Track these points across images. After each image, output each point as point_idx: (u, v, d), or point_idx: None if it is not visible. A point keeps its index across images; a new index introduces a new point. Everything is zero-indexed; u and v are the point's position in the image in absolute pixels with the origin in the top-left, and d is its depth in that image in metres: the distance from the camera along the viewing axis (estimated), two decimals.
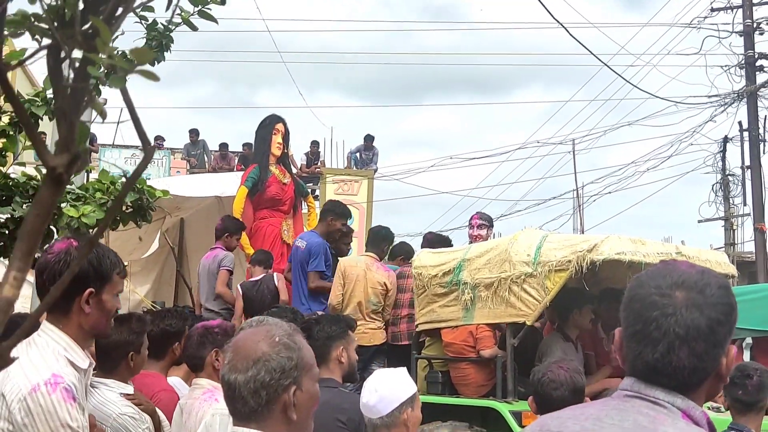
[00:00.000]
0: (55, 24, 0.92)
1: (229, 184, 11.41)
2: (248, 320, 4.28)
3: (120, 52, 0.91)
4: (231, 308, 9.10)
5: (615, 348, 2.09)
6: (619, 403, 2.02)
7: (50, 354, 2.92)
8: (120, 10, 0.92)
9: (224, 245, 9.29)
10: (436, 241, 9.22)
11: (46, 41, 0.96)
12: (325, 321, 4.93)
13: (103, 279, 3.06)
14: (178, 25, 4.63)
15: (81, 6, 0.91)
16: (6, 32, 1.02)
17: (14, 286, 0.98)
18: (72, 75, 0.93)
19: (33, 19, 0.93)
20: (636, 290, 2.03)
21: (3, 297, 0.97)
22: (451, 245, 9.28)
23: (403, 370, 4.10)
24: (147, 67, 0.92)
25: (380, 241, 9.06)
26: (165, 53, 4.87)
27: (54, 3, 0.91)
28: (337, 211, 9.28)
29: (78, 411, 2.90)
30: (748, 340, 9.87)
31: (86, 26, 0.90)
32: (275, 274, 8.92)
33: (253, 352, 2.43)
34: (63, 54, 0.93)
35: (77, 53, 0.93)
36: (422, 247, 9.15)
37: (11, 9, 0.99)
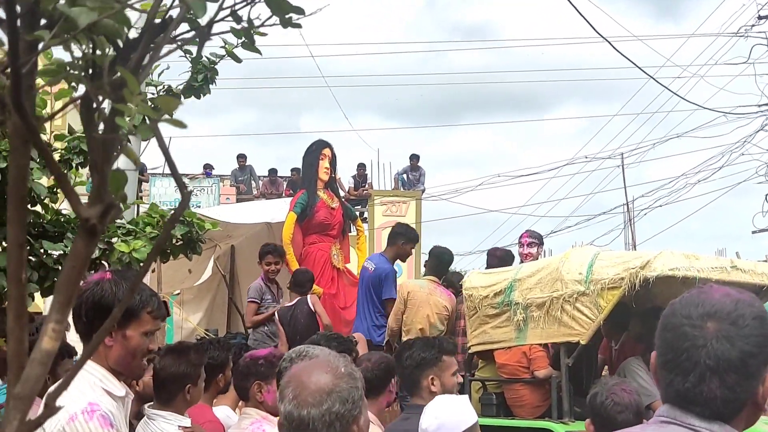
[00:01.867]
0: (86, 74, 0.92)
1: (278, 211, 11.46)
2: (288, 353, 4.27)
3: (147, 101, 0.90)
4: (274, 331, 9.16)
5: (651, 372, 2.12)
6: (656, 428, 2.02)
7: (86, 385, 2.92)
8: (147, 58, 0.91)
9: (263, 273, 9.37)
10: (502, 256, 9.19)
11: (81, 88, 0.96)
12: (417, 346, 4.70)
13: (127, 314, 3.01)
14: (222, 57, 4.67)
15: (110, 56, 0.91)
16: (43, 81, 1.03)
17: (53, 338, 0.97)
18: (102, 126, 0.93)
19: (68, 68, 0.93)
20: (668, 319, 2.03)
21: (43, 349, 0.97)
22: (511, 257, 9.29)
23: (465, 398, 4.02)
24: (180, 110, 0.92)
25: (445, 265, 9.08)
26: (210, 85, 4.92)
27: (86, 52, 0.91)
28: (409, 236, 9.33)
29: None
30: None
31: (115, 77, 0.90)
32: (309, 296, 8.89)
33: (324, 385, 2.43)
34: (94, 104, 0.93)
35: (107, 103, 0.93)
36: (488, 263, 9.11)
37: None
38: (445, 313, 8.61)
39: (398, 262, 9.50)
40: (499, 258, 9.20)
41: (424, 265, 9.28)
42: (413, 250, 9.46)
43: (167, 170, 20.68)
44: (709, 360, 1.93)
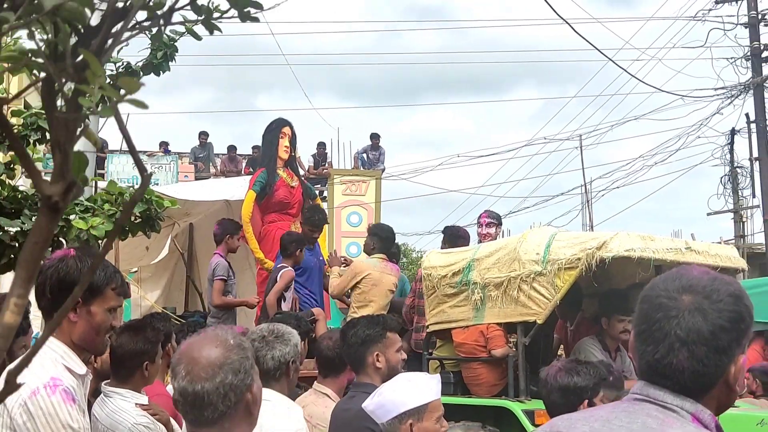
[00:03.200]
0: (48, 56, 0.92)
1: (238, 189, 11.42)
2: (256, 331, 4.29)
3: (110, 82, 0.91)
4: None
5: (630, 348, 2.13)
6: (628, 405, 2.04)
7: (48, 361, 2.93)
8: (110, 42, 0.92)
9: (226, 248, 9.30)
10: (456, 234, 9.27)
11: (42, 75, 0.97)
12: (361, 324, 4.68)
13: (92, 290, 3.04)
14: (182, 35, 4.64)
15: (73, 40, 0.91)
16: (5, 67, 1.04)
17: (15, 312, 0.98)
18: (65, 106, 0.94)
19: (30, 55, 0.94)
20: (647, 292, 2.07)
21: (4, 323, 0.98)
22: (468, 237, 9.37)
23: (424, 376, 3.92)
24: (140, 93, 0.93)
25: (390, 241, 9.20)
26: (170, 63, 4.89)
27: (49, 38, 0.92)
28: (311, 221, 9.64)
29: (78, 413, 2.91)
30: None
31: (78, 59, 0.91)
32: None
33: (215, 359, 2.47)
34: (57, 86, 0.94)
35: (69, 85, 0.94)
36: (443, 241, 9.20)
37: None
38: (393, 290, 8.91)
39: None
40: (461, 237, 9.28)
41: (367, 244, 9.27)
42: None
43: (125, 147, 20.47)
44: (680, 331, 1.97)
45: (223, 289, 9.07)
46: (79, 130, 0.93)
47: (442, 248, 9.00)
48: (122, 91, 0.89)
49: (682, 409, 1.98)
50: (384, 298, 8.79)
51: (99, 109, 0.90)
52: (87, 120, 0.95)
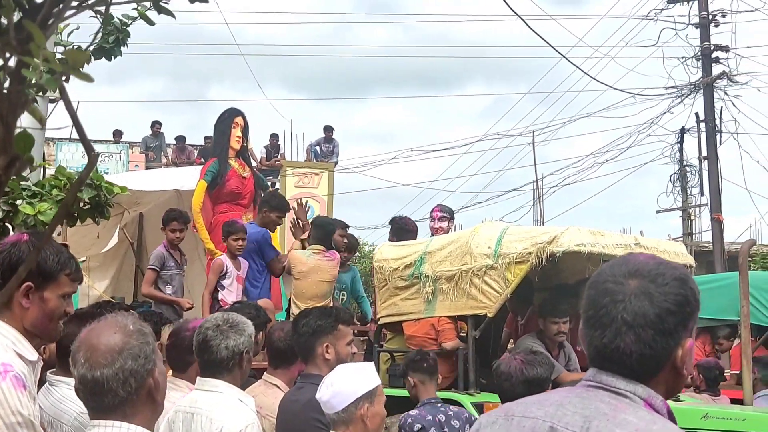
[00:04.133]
0: None
1: (189, 178, 11.30)
2: (211, 320, 4.24)
3: (56, 56, 0.88)
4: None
5: (579, 335, 2.15)
6: (582, 391, 2.06)
7: None
8: (53, 17, 0.89)
9: (166, 240, 9.20)
10: (403, 227, 9.25)
11: None
12: (312, 315, 4.67)
13: (45, 276, 3.01)
14: (134, 19, 4.58)
15: (17, 16, 0.88)
16: None
17: None
18: (8, 79, 0.91)
19: None
20: (594, 278, 2.09)
21: None
22: (416, 230, 9.36)
23: (367, 364, 3.96)
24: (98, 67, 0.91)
25: (328, 235, 9.12)
26: (122, 48, 4.82)
27: None
28: (271, 203, 9.45)
29: (29, 399, 2.87)
30: None
31: (21, 34, 0.88)
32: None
33: (115, 345, 2.46)
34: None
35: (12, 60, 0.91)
36: (391, 232, 9.18)
37: None
38: (328, 279, 8.75)
39: None
40: (409, 231, 9.27)
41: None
42: (282, 220, 9.51)
43: (74, 135, 20.21)
44: (626, 314, 1.98)
45: (153, 279, 8.95)
46: (23, 103, 0.90)
47: (389, 240, 9.01)
48: (68, 64, 0.86)
49: (635, 395, 2.00)
50: (317, 287, 8.65)
51: (42, 80, 0.87)
52: (34, 100, 0.92)
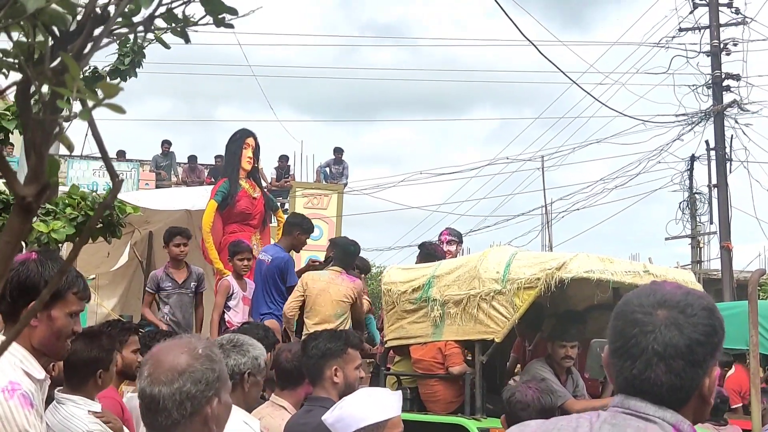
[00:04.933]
0: (25, 59, 0.92)
1: (199, 198, 11.35)
2: (218, 339, 4.27)
3: (89, 76, 0.91)
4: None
5: (604, 364, 2.15)
6: (610, 417, 2.08)
7: (6, 364, 2.89)
8: (89, 47, 0.92)
9: (169, 258, 9.24)
10: (432, 253, 9.20)
11: (13, 75, 0.97)
12: (323, 337, 4.66)
13: (54, 294, 2.98)
14: (151, 42, 4.63)
15: (50, 42, 0.91)
16: None
17: None
18: (42, 108, 0.94)
19: (2, 55, 0.94)
20: (621, 308, 2.10)
21: None
22: (444, 257, 9.32)
23: (391, 393, 3.92)
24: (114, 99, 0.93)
25: (351, 257, 9.07)
26: (137, 69, 4.87)
27: (24, 40, 0.92)
28: (304, 226, 9.38)
29: (36, 418, 2.87)
30: None
31: (55, 62, 0.91)
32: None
33: (177, 364, 2.44)
34: (33, 89, 0.94)
35: (46, 88, 0.94)
36: (419, 257, 9.14)
37: None
38: (346, 300, 8.54)
39: None
40: (436, 257, 9.25)
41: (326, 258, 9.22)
42: (308, 241, 9.51)
43: (85, 152, 20.25)
44: (657, 345, 2.00)
45: (149, 301, 9.01)
46: (56, 133, 0.93)
47: (417, 263, 8.99)
48: (100, 95, 0.89)
49: (664, 420, 2.01)
50: (330, 307, 8.46)
51: (78, 113, 0.89)
52: (62, 124, 0.95)
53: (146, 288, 9.07)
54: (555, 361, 7.24)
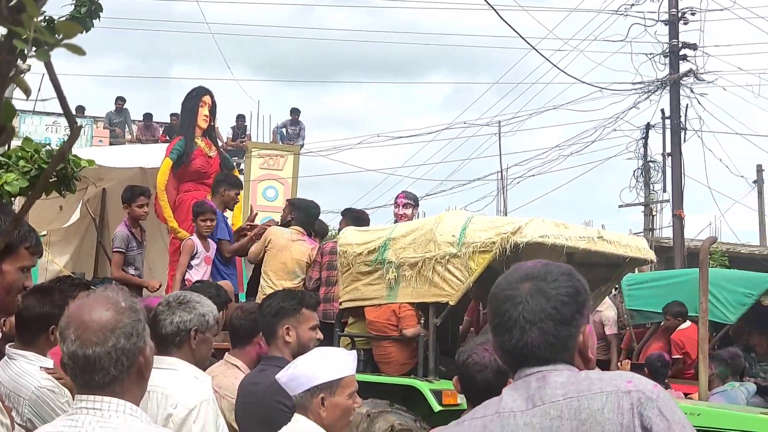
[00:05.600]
0: None
1: (154, 156, 11.23)
2: (166, 298, 4.23)
3: (45, 24, 0.88)
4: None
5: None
6: (507, 390, 2.27)
7: None
8: None
9: (129, 217, 9.08)
10: (358, 217, 9.28)
11: None
12: (277, 296, 4.65)
13: (5, 248, 2.91)
14: None
15: None
16: None
17: None
18: None
19: None
20: (493, 290, 2.32)
21: None
22: (368, 221, 9.42)
23: (340, 351, 3.91)
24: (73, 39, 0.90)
25: (312, 219, 9.22)
26: (94, 20, 4.77)
27: None
28: (229, 182, 9.56)
29: None
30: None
31: (13, 2, 0.87)
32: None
33: (107, 322, 2.41)
34: None
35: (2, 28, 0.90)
36: (342, 223, 9.19)
37: None
38: (303, 260, 8.89)
39: None
40: (364, 220, 9.33)
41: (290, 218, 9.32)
42: (239, 197, 9.57)
43: (38, 108, 19.92)
44: (527, 314, 2.22)
45: (121, 262, 8.88)
46: (12, 74, 0.90)
47: (340, 228, 9.06)
48: (61, 36, 0.86)
49: (555, 369, 2.21)
50: (290, 265, 8.82)
51: (36, 53, 0.86)
52: (19, 65, 0.91)
53: (116, 248, 8.92)
54: None
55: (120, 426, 2.37)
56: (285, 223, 9.35)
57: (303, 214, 9.22)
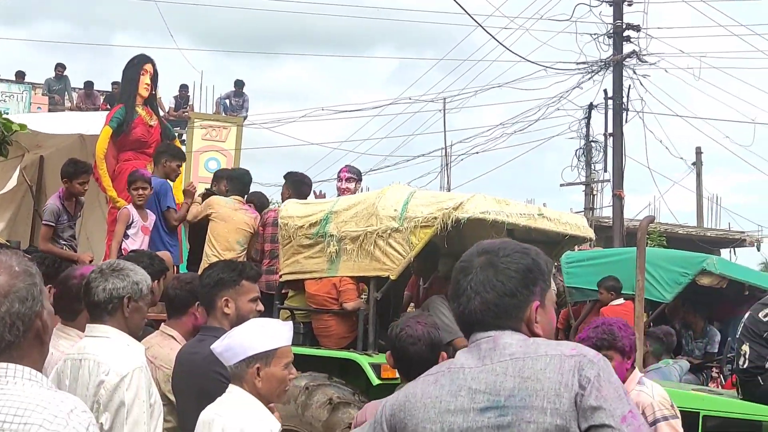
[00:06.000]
0: None
1: (94, 123, 11.04)
2: (99, 266, 4.16)
3: None
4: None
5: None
6: (459, 354, 2.45)
7: None
8: None
9: (66, 191, 8.87)
10: (300, 181, 9.28)
11: None
12: (217, 267, 4.58)
13: None
14: None
15: None
16: None
17: None
18: None
19: None
20: (456, 264, 2.49)
21: None
22: (311, 185, 9.51)
23: (275, 322, 3.86)
24: None
25: (247, 187, 9.41)
26: None
27: None
28: (171, 152, 9.53)
29: None
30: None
31: None
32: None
33: (0, 288, 2.34)
34: None
35: None
36: (287, 186, 9.16)
37: None
38: (247, 230, 9.03)
39: None
40: (306, 184, 9.39)
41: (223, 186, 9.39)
42: (181, 169, 9.54)
43: None
44: (474, 284, 2.40)
45: (49, 235, 8.68)
46: None
47: (284, 192, 9.15)
48: None
49: (485, 335, 2.39)
50: (234, 234, 8.94)
51: None
52: None
53: (46, 221, 8.72)
54: None
55: (17, 391, 2.30)
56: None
57: (238, 183, 9.37)
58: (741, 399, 6.93)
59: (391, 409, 2.47)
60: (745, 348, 6.85)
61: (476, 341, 2.39)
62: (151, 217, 8.76)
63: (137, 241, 8.54)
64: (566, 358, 2.24)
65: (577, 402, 2.18)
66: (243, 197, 9.29)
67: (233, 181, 9.39)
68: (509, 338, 2.34)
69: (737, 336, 7.11)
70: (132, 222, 8.56)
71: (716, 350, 10.43)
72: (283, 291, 8.10)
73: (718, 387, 9.86)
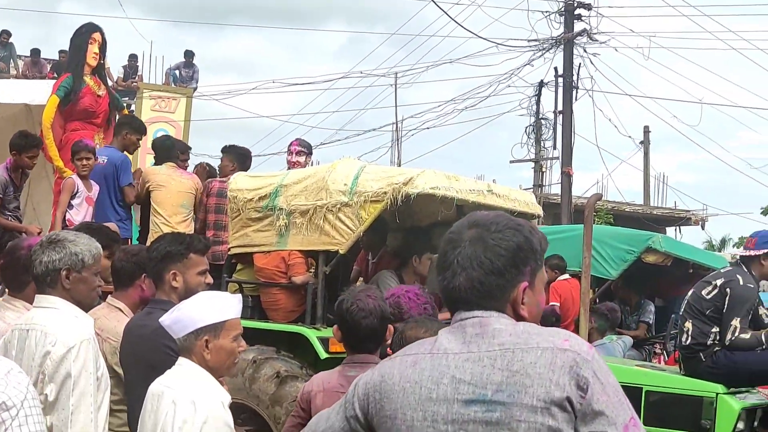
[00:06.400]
0: None
1: (40, 92, 10.86)
2: (41, 240, 4.13)
3: None
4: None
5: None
6: (446, 330, 2.35)
7: None
8: None
9: (13, 163, 8.73)
10: (243, 154, 9.30)
11: None
12: (165, 240, 4.56)
13: None
14: None
15: None
16: None
17: None
18: None
19: None
20: (446, 234, 2.37)
21: None
22: (250, 157, 9.64)
23: (229, 296, 3.85)
24: None
25: (168, 149, 9.49)
26: None
27: None
28: (133, 125, 9.59)
29: None
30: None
31: None
32: None
33: None
34: None
35: None
36: (229, 159, 9.17)
37: None
38: (189, 191, 9.11)
39: None
40: (249, 157, 9.59)
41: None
42: (140, 143, 9.56)
43: None
44: (461, 258, 2.28)
45: None
46: None
47: (222, 166, 9.32)
48: None
49: (489, 315, 2.27)
50: (176, 198, 9.02)
51: None
52: None
53: None
54: (410, 273, 7.43)
55: None
56: None
57: (162, 151, 9.50)
58: (683, 375, 7.08)
59: (364, 389, 2.39)
60: (688, 325, 6.99)
61: (461, 321, 2.29)
62: (95, 188, 8.68)
63: (81, 211, 8.47)
64: (559, 351, 2.16)
65: (574, 404, 2.11)
66: (174, 161, 9.33)
67: (158, 151, 9.55)
68: (497, 323, 2.24)
69: (681, 313, 7.24)
70: (77, 192, 8.48)
71: (649, 319, 10.64)
72: (232, 262, 8.08)
73: (661, 363, 10.05)
